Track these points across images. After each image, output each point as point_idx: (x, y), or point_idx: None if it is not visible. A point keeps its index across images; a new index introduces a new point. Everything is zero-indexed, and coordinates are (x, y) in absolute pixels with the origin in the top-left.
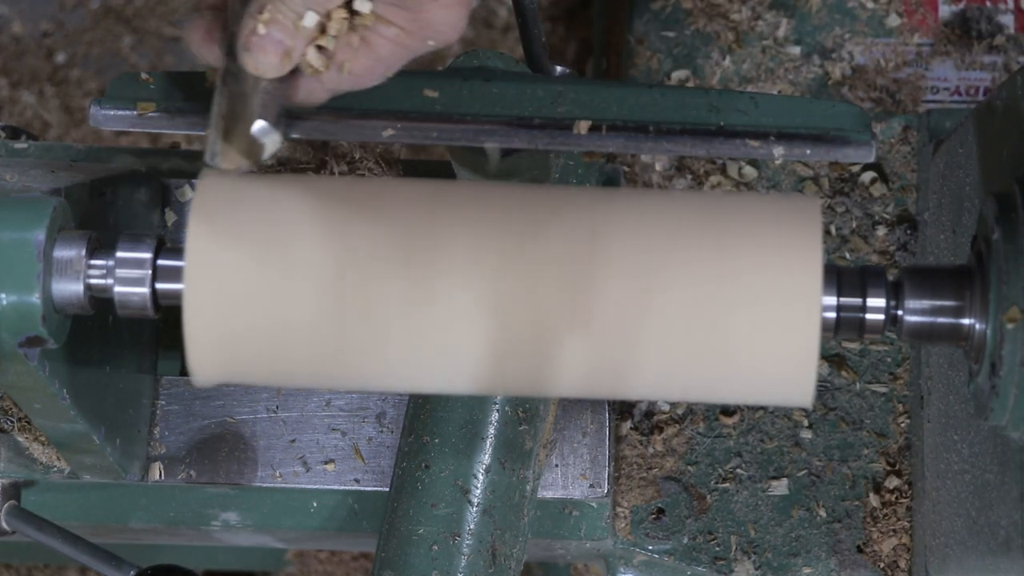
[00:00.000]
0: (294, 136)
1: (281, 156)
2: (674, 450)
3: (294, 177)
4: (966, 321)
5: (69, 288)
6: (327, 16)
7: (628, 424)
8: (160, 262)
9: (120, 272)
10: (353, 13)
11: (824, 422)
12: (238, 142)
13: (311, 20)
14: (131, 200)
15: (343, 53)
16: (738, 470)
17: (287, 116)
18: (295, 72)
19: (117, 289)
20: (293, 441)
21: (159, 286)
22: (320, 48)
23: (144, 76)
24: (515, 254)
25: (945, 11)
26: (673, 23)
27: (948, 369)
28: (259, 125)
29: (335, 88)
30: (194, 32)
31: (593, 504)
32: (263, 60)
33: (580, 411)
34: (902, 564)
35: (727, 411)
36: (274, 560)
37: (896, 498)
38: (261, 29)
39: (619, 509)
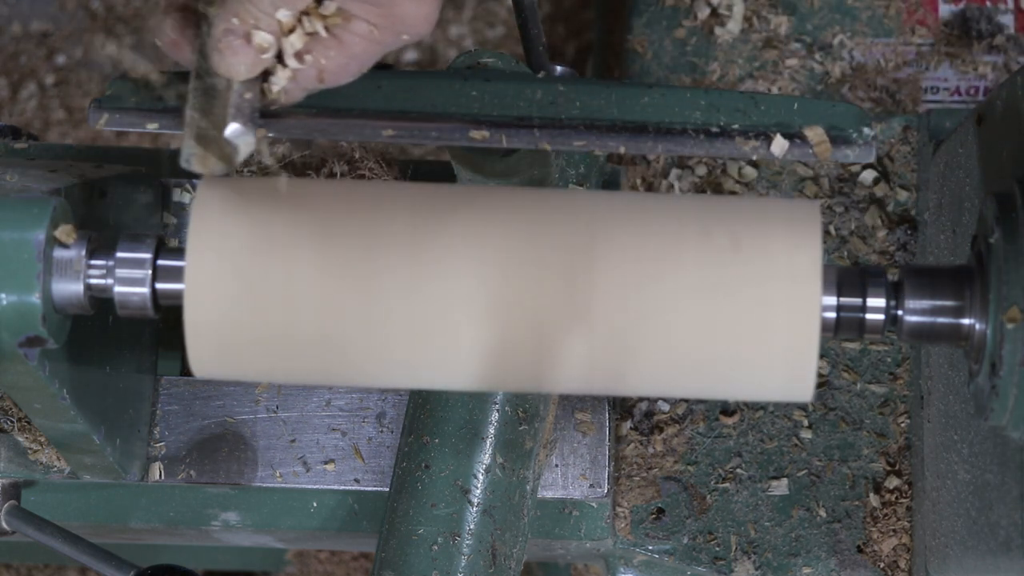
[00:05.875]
0: (271, 135)
1: (281, 155)
2: (674, 450)
3: (294, 178)
4: (966, 321)
5: (69, 288)
6: (298, 15)
7: (628, 424)
8: (160, 262)
9: (120, 272)
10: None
11: (824, 422)
12: (213, 145)
13: (282, 20)
14: (131, 200)
15: (316, 52)
16: (738, 470)
17: (266, 116)
18: (268, 72)
19: (117, 289)
20: (293, 441)
21: (159, 286)
22: (292, 47)
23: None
24: (516, 254)
25: (945, 11)
26: (673, 23)
27: (948, 369)
28: (232, 128)
29: (309, 87)
30: (164, 34)
31: (593, 504)
32: (235, 61)
33: (580, 411)
34: (902, 564)
35: (727, 411)
36: (274, 560)
37: (896, 498)
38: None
39: (619, 509)
